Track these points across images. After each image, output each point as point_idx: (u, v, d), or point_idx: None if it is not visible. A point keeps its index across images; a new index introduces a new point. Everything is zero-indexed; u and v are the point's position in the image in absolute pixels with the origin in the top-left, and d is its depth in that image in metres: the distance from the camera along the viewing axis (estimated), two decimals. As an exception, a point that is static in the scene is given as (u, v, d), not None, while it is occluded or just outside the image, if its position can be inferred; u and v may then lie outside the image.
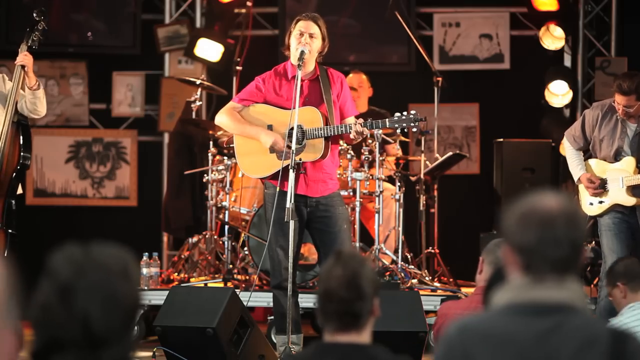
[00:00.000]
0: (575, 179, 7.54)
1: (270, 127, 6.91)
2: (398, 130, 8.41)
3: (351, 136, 6.74)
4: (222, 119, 7.03)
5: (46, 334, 2.45)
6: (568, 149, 7.63)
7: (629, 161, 7.37)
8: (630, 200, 7.36)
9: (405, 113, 6.80)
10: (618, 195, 7.38)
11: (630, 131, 7.37)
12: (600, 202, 7.44)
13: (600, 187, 7.41)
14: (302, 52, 6.75)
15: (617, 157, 7.40)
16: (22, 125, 7.01)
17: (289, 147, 6.69)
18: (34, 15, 7.09)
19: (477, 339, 2.66)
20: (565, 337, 2.62)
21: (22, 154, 6.97)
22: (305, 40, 6.79)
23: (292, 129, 6.69)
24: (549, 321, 2.64)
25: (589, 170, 7.49)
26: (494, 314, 2.72)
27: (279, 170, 6.76)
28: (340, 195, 7.12)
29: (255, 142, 6.94)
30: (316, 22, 6.87)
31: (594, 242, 8.95)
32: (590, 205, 7.47)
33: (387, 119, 6.85)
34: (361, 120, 6.77)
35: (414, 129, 6.95)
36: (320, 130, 6.77)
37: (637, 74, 7.28)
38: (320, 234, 6.89)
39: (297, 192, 6.72)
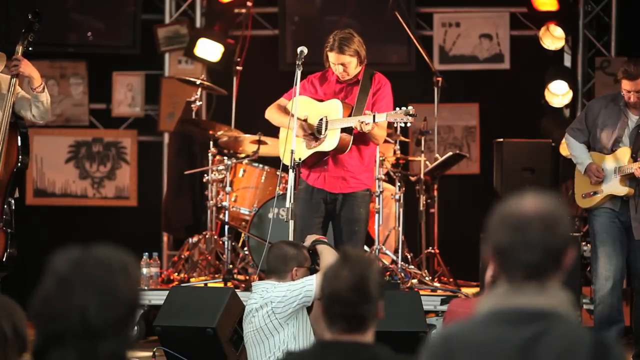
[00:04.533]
0: (583, 169, 7.52)
1: (306, 116, 7.23)
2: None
3: (353, 125, 6.97)
4: (268, 114, 7.37)
5: (46, 327, 2.48)
6: (572, 143, 7.60)
7: (624, 151, 7.37)
8: (622, 190, 7.35)
9: (403, 108, 6.96)
10: (612, 186, 7.39)
11: (632, 122, 7.39)
12: (594, 194, 7.45)
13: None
14: (302, 52, 7.01)
15: (614, 147, 7.41)
16: (20, 130, 7.05)
17: (312, 134, 7.14)
18: (29, 17, 7.11)
19: (460, 347, 2.65)
20: (546, 345, 2.59)
21: (20, 156, 7.00)
22: (339, 71, 7.18)
23: (321, 119, 7.11)
24: (531, 329, 2.61)
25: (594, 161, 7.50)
26: (477, 321, 2.70)
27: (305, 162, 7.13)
28: (365, 196, 7.20)
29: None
30: (343, 52, 7.14)
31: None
32: (583, 197, 7.48)
33: (385, 113, 7.04)
34: (368, 112, 7.06)
35: (408, 124, 7.12)
36: (338, 122, 7.07)
37: None
38: (335, 233, 7.17)
39: (317, 186, 7.14)
